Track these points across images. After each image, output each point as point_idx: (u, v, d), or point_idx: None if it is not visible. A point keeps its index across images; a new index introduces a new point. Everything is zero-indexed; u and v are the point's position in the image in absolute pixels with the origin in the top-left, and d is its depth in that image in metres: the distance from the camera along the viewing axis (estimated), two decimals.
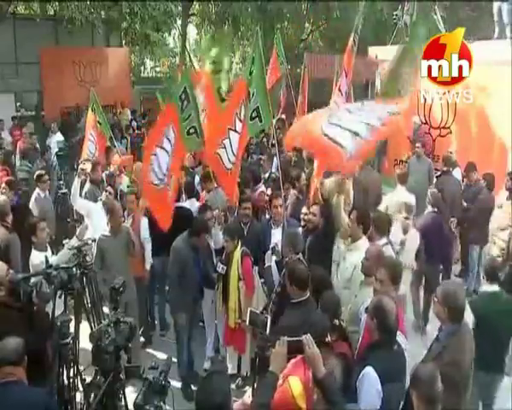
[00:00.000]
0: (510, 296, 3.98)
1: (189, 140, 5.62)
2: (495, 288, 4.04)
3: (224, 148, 5.41)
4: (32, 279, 3.91)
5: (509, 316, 3.84)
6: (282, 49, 10.25)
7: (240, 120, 5.42)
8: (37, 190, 6.95)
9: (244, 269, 4.96)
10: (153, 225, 5.87)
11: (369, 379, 2.96)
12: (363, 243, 4.55)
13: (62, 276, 3.79)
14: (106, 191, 6.31)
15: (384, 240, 4.84)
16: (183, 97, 5.48)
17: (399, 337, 3.26)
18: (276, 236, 5.40)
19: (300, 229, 5.28)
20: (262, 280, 5.24)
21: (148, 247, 5.83)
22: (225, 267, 5.02)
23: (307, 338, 2.69)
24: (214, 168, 5.76)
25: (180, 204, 6.17)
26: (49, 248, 5.04)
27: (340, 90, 6.79)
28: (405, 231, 5.53)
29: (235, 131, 5.41)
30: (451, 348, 3.20)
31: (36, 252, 4.81)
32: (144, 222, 5.83)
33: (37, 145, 10.86)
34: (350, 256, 4.59)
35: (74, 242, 4.71)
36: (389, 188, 7.64)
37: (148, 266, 5.84)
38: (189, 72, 7.09)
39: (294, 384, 2.78)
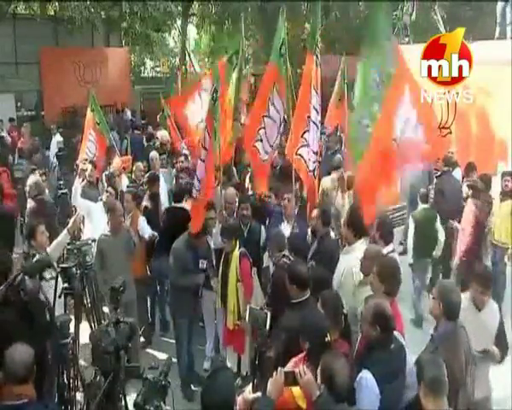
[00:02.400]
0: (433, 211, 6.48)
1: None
2: (426, 206, 6.44)
3: (261, 140, 5.39)
4: (18, 278, 3.66)
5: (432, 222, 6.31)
6: None
7: (274, 106, 5.35)
8: None
9: (242, 270, 4.92)
10: (153, 225, 5.90)
11: (367, 384, 2.94)
12: (359, 247, 4.44)
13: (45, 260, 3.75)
14: (106, 192, 6.30)
15: (390, 247, 4.53)
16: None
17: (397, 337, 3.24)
18: (285, 233, 5.33)
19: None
20: None
21: (144, 224, 5.77)
22: (205, 262, 5.00)
23: (300, 370, 2.76)
24: (252, 162, 5.73)
25: (180, 205, 6.15)
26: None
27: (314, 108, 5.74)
28: (479, 307, 3.86)
29: (270, 117, 5.36)
30: (445, 349, 3.16)
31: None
32: (143, 221, 5.83)
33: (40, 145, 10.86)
34: (342, 259, 4.57)
35: (64, 234, 4.59)
36: None
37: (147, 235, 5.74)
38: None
39: None
